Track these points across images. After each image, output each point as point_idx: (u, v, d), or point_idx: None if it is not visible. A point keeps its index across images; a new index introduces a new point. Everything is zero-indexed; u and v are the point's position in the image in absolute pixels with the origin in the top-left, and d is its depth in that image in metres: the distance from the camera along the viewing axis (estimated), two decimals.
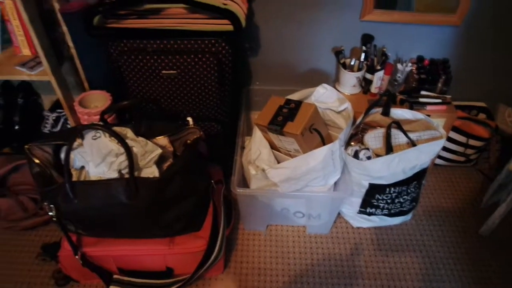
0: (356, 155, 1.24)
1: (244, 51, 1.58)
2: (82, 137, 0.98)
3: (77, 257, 1.10)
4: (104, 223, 1.07)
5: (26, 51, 1.40)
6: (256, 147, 1.22)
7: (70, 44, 1.43)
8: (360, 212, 1.40)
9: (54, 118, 1.64)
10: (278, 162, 1.26)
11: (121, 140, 0.93)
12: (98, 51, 1.41)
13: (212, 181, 1.24)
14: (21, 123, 1.62)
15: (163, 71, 1.20)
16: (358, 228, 1.47)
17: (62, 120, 1.65)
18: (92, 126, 0.95)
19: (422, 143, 1.22)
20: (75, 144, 1.00)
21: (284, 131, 1.11)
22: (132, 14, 1.22)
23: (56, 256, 1.18)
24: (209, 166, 1.36)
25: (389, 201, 1.33)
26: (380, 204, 1.34)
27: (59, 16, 1.35)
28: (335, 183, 1.31)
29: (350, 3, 1.41)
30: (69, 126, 1.65)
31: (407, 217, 1.47)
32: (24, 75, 1.32)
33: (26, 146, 1.04)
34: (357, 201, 1.36)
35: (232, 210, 1.40)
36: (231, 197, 1.45)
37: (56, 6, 1.34)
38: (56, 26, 1.38)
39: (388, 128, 1.25)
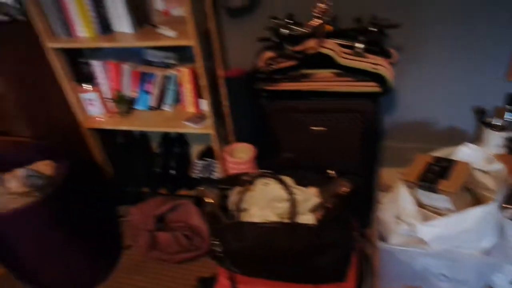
0: None
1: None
2: (252, 183, 1.13)
3: None
4: (259, 263, 1.17)
5: (190, 109, 1.68)
6: (401, 203, 1.24)
7: (225, 103, 1.68)
8: None
9: (202, 165, 1.88)
10: (423, 221, 1.24)
11: (288, 188, 1.05)
12: (244, 110, 1.64)
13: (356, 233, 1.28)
14: (176, 169, 1.90)
15: (312, 127, 1.33)
16: None
17: (209, 167, 1.89)
18: (263, 174, 1.10)
19: None
20: (242, 188, 1.15)
21: (438, 188, 1.12)
22: (285, 78, 1.40)
23: None
24: None
25: None
26: None
27: (220, 80, 1.62)
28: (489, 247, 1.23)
29: (495, 64, 1.41)
30: (215, 173, 1.87)
31: None
32: (191, 128, 1.58)
33: (201, 188, 1.24)
34: None
35: (369, 264, 1.40)
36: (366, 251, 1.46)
37: (221, 72, 1.61)
38: (218, 88, 1.65)
39: None
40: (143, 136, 2.05)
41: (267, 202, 1.09)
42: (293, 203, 1.06)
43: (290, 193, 1.06)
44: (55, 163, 1.53)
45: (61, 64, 1.54)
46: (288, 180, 1.14)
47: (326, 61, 1.25)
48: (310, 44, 1.23)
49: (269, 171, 1.10)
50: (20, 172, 1.44)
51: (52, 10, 1.41)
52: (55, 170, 1.51)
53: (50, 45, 1.46)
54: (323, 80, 1.36)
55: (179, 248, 1.57)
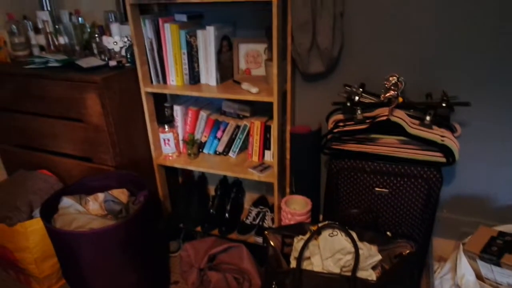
0: None
1: None
2: (320, 233, 1.20)
3: None
4: None
5: (255, 158, 1.81)
6: (461, 273, 1.25)
7: (287, 156, 1.80)
8: None
9: (256, 212, 1.97)
10: None
11: (354, 241, 1.11)
12: (304, 165, 1.75)
13: None
14: (230, 212, 1.99)
15: (376, 189, 1.40)
16: None
17: (261, 215, 1.97)
18: (332, 225, 1.17)
19: None
20: (306, 237, 1.22)
21: (502, 261, 1.13)
22: (351, 140, 1.51)
23: None
24: None
25: None
26: None
27: (287, 135, 1.76)
28: None
29: None
30: (266, 221, 1.94)
31: None
32: (255, 176, 1.69)
33: (265, 232, 1.32)
34: None
35: None
36: None
37: (288, 128, 1.75)
38: (284, 142, 1.78)
39: None
40: (202, 178, 2.19)
41: (331, 252, 1.15)
42: (357, 257, 1.11)
43: (356, 246, 1.11)
44: (128, 192, 1.68)
45: (149, 106, 1.75)
46: (353, 234, 1.20)
47: (394, 129, 1.36)
48: (382, 112, 1.34)
49: (335, 223, 1.17)
50: (100, 196, 1.60)
51: (154, 62, 1.66)
52: (129, 198, 1.65)
53: (146, 89, 1.68)
54: (387, 145, 1.46)
55: None
